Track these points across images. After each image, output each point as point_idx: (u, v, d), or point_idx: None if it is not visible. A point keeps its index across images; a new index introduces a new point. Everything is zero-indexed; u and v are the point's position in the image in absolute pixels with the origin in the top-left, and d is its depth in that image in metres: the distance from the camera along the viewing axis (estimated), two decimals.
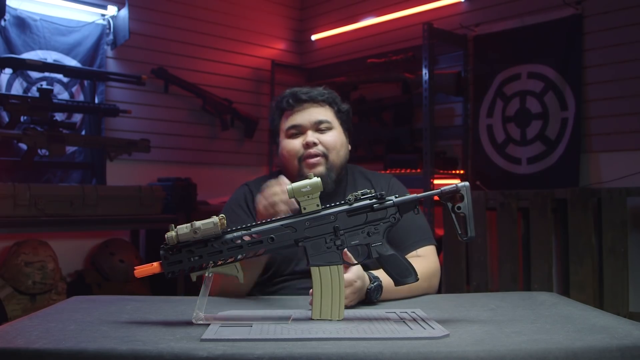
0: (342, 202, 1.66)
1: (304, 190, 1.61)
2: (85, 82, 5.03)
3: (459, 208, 1.60)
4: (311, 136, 2.28)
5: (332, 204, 1.66)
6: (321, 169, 2.28)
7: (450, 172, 5.09)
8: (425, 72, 4.87)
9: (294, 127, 2.32)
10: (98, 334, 1.45)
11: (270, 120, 2.45)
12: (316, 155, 2.27)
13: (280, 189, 1.96)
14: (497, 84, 5.02)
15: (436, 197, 1.63)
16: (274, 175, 2.55)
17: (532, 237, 4.20)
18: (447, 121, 5.40)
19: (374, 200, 1.65)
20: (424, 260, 2.20)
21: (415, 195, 1.66)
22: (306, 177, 1.63)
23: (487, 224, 4.41)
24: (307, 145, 2.27)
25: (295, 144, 2.30)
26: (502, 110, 4.98)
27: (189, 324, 1.57)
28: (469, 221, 1.60)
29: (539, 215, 4.16)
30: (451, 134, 5.35)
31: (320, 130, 2.31)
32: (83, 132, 4.98)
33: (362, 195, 1.66)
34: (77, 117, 4.97)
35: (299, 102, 2.34)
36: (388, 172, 4.99)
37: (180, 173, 5.38)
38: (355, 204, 1.65)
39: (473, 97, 5.21)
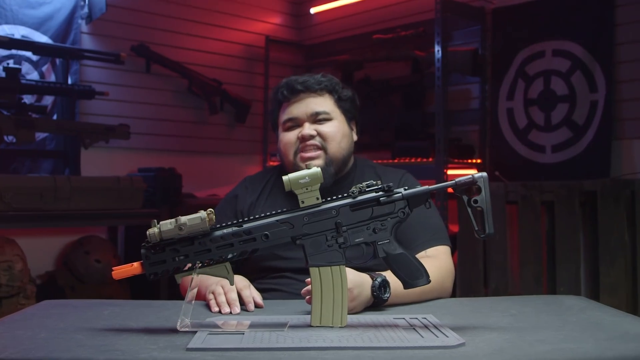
0: (345, 195, 1.66)
1: (302, 181, 1.61)
2: (57, 61, 5.02)
3: (475, 201, 1.60)
4: (307, 128, 2.34)
5: (334, 197, 1.66)
6: (319, 162, 2.32)
7: (466, 161, 5.09)
8: (437, 50, 4.86)
9: (290, 119, 2.39)
10: (72, 343, 1.45)
11: (270, 111, 2.52)
12: (313, 148, 2.33)
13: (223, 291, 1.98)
14: (518, 63, 5.01)
15: (450, 190, 1.63)
16: (277, 170, 2.58)
17: (557, 234, 4.19)
18: (462, 104, 5.40)
19: (380, 193, 1.65)
20: (435, 260, 2.20)
21: (426, 187, 1.66)
22: (305, 167, 1.63)
23: (507, 219, 4.41)
24: (303, 138, 2.34)
25: (291, 136, 2.38)
26: (523, 92, 4.97)
27: (174, 331, 1.57)
28: (486, 216, 1.60)
29: (565, 209, 4.16)
30: (467, 119, 5.34)
31: (318, 122, 2.35)
32: (55, 117, 4.97)
33: (368, 187, 1.66)
34: (48, 100, 4.97)
35: (294, 93, 2.39)
36: (396, 161, 5.00)
37: (164, 162, 5.37)
38: (360, 197, 1.65)
39: (491, 77, 5.20)
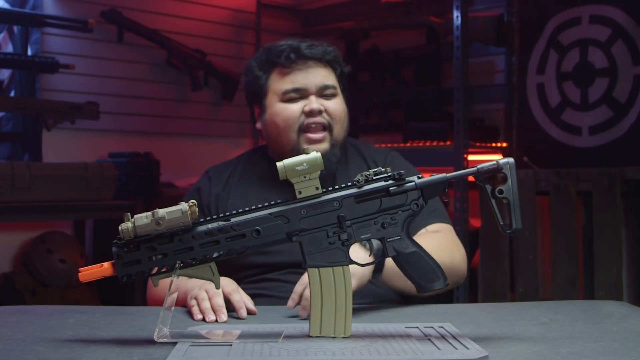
0: (349, 184, 1.65)
1: (299, 168, 1.61)
2: (15, 28, 5.01)
3: (500, 192, 1.60)
4: (315, 102, 2.34)
5: (336, 187, 1.65)
6: (325, 145, 2.34)
7: (489, 145, 5.09)
8: (457, 15, 4.84)
9: (296, 90, 2.39)
10: (32, 356, 1.45)
11: (250, 79, 2.51)
12: (320, 128, 2.37)
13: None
14: (550, 31, 5.00)
15: (471, 178, 1.63)
16: (257, 152, 2.59)
17: (595, 230, 4.20)
18: (485, 79, 5.39)
19: (390, 182, 1.65)
20: (439, 234, 2.26)
21: (443, 175, 1.66)
22: (303, 151, 1.62)
23: (537, 212, 4.42)
24: (311, 113, 2.35)
25: (294, 109, 2.38)
26: (556, 64, 4.97)
27: (150, 342, 1.57)
28: (513, 209, 1.60)
29: (604, 201, 4.16)
30: (491, 96, 5.34)
31: (324, 97, 2.37)
32: (12, 93, 4.97)
33: (375, 175, 1.66)
34: (4, 74, 4.96)
35: (301, 59, 2.40)
36: (408, 145, 5.00)
37: (138, 147, 5.37)
38: (366, 187, 1.65)
39: (519, 47, 5.19)
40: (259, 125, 2.52)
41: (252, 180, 2.48)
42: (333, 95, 2.41)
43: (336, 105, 2.40)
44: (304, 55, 2.38)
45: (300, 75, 2.38)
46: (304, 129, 2.35)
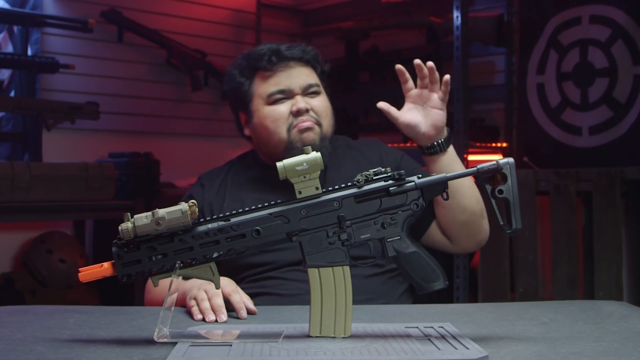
0: (349, 184, 1.65)
1: (299, 168, 1.60)
2: (15, 28, 5.01)
3: (500, 192, 1.60)
4: (301, 102, 2.40)
5: (336, 187, 1.65)
6: (314, 136, 2.37)
7: (489, 144, 5.09)
8: (457, 15, 4.84)
9: (280, 91, 2.43)
10: (32, 356, 1.45)
11: (233, 86, 2.53)
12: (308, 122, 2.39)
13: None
14: (550, 31, 5.00)
15: (472, 178, 1.63)
16: (246, 157, 2.61)
17: (595, 230, 4.20)
18: (485, 79, 5.39)
19: (390, 182, 1.65)
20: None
21: (443, 175, 1.66)
22: (303, 151, 1.62)
23: (537, 212, 4.42)
24: (299, 112, 2.40)
25: (282, 110, 2.42)
26: (556, 65, 4.97)
27: (150, 342, 1.57)
28: (513, 209, 1.60)
29: (604, 201, 4.16)
30: (491, 96, 5.34)
31: (308, 95, 2.42)
32: (12, 93, 4.97)
33: (375, 175, 1.66)
34: (4, 74, 4.96)
35: (282, 61, 2.43)
36: (408, 145, 4.99)
37: (139, 147, 5.37)
38: (366, 187, 1.65)
39: (519, 47, 5.20)
40: (247, 131, 2.56)
41: (245, 185, 2.49)
42: (317, 93, 2.44)
43: (321, 103, 2.44)
44: (284, 56, 2.41)
45: (283, 76, 2.41)
46: (294, 127, 2.38)
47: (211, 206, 2.46)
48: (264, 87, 2.42)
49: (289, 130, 2.38)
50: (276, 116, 2.39)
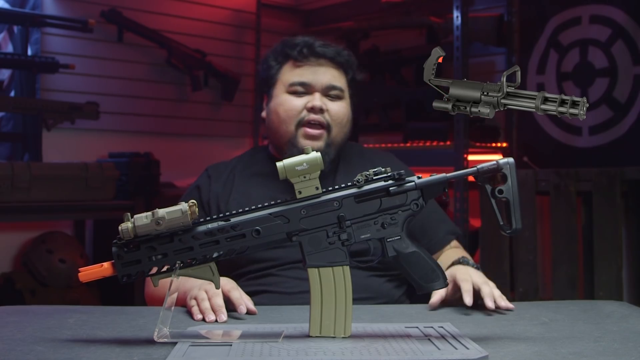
0: (349, 184, 1.65)
1: (299, 168, 1.60)
2: (15, 28, 5.01)
3: (500, 192, 1.60)
4: (318, 100, 2.39)
5: (336, 187, 1.65)
6: (320, 144, 2.36)
7: (489, 145, 5.09)
8: (457, 15, 4.84)
9: (301, 84, 2.42)
10: (32, 356, 1.45)
11: (265, 67, 2.54)
12: (319, 125, 2.38)
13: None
14: (550, 31, 5.00)
15: (471, 178, 1.63)
16: (259, 152, 2.61)
17: (595, 230, 4.20)
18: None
19: (390, 182, 1.65)
20: (460, 249, 2.33)
21: (443, 175, 1.66)
22: (302, 151, 1.62)
23: (537, 212, 4.41)
24: (312, 110, 2.40)
25: (297, 103, 2.42)
26: (556, 64, 4.97)
27: (150, 342, 1.57)
28: (513, 209, 1.60)
29: (604, 200, 4.16)
30: None
31: (329, 96, 2.40)
32: (12, 93, 4.97)
33: (375, 175, 1.66)
34: (4, 74, 4.96)
35: (314, 56, 2.44)
36: (408, 145, 4.99)
37: (139, 146, 5.36)
38: (366, 187, 1.65)
39: (519, 47, 5.19)
40: (263, 113, 2.55)
41: (253, 179, 2.49)
42: (338, 98, 2.43)
43: (339, 108, 2.42)
44: (316, 52, 2.42)
45: (310, 71, 2.42)
46: (303, 124, 2.37)
47: (217, 199, 2.46)
48: (288, 76, 2.44)
49: (298, 124, 2.38)
50: (290, 106, 2.40)
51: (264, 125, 2.59)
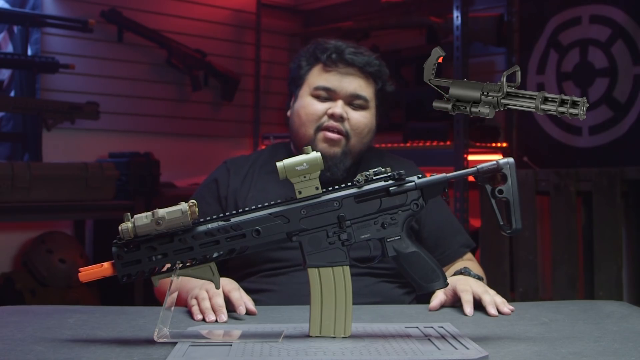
0: (349, 184, 1.65)
1: (299, 168, 1.60)
2: (15, 28, 5.01)
3: (500, 192, 1.60)
4: (340, 107, 2.38)
5: (336, 187, 1.65)
6: (337, 150, 2.36)
7: (489, 145, 5.08)
8: (457, 15, 4.84)
9: (325, 89, 2.41)
10: (32, 356, 1.45)
11: (295, 66, 2.53)
12: (337, 132, 2.37)
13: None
14: (550, 31, 5.00)
15: (471, 178, 1.63)
16: (280, 148, 2.60)
17: (595, 230, 4.19)
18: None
19: (390, 182, 1.65)
20: (474, 262, 2.33)
21: (443, 175, 1.66)
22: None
23: (537, 212, 4.41)
24: (332, 116, 2.38)
25: (319, 108, 2.41)
26: (556, 64, 4.97)
27: (150, 342, 1.57)
28: (513, 209, 1.60)
29: (604, 200, 4.16)
30: None
31: (352, 105, 2.38)
32: (12, 93, 4.96)
33: (375, 174, 1.66)
34: (4, 74, 4.96)
35: (343, 62, 2.42)
36: (408, 145, 4.99)
37: (139, 146, 5.36)
38: (366, 187, 1.65)
39: (519, 47, 5.19)
40: (288, 112, 2.55)
41: (272, 176, 2.46)
42: (362, 108, 2.42)
43: (361, 118, 2.41)
44: (344, 59, 2.40)
45: (336, 77, 2.40)
46: (322, 129, 2.37)
47: (235, 195, 2.46)
48: (315, 79, 2.43)
49: (317, 129, 2.38)
50: (311, 110, 2.39)
51: (286, 124, 2.59)
